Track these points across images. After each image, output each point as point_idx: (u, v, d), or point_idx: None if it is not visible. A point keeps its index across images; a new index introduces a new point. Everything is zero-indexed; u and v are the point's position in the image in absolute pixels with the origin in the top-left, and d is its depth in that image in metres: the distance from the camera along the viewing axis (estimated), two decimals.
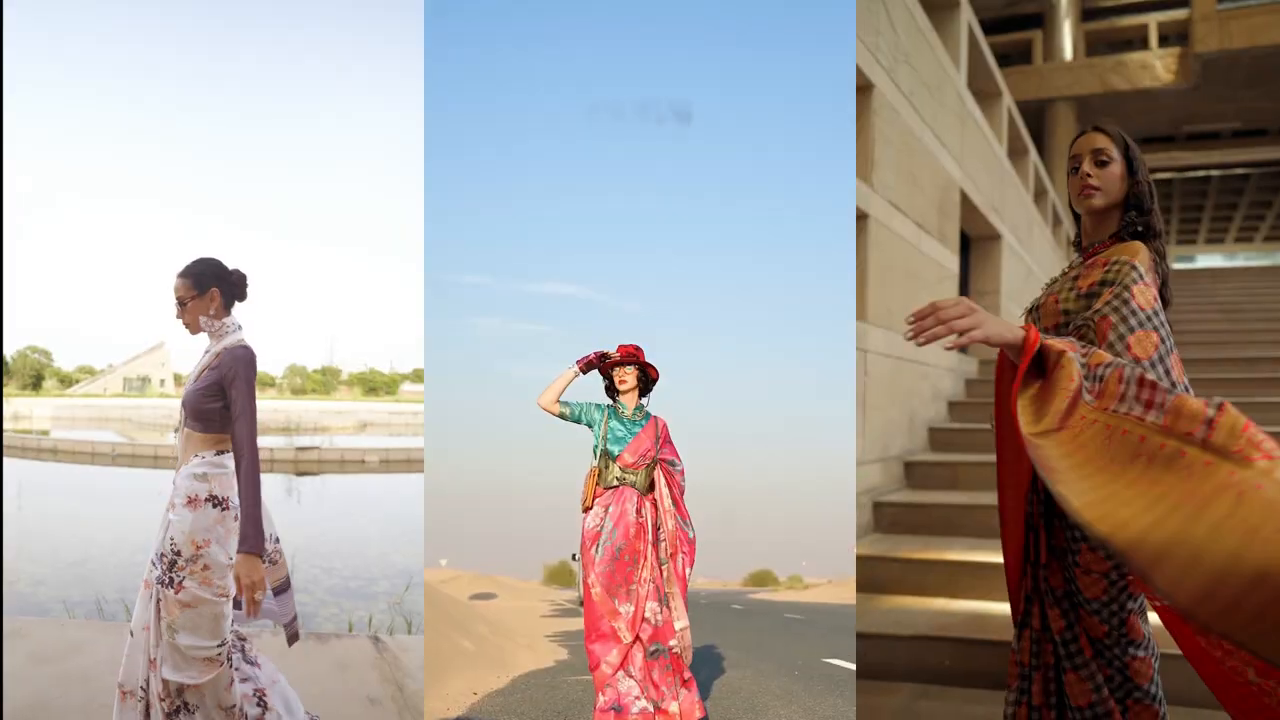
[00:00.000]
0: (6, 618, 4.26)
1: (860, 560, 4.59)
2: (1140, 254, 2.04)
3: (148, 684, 2.38)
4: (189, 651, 2.32)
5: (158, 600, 2.35)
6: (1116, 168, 2.12)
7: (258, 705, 2.46)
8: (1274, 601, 1.50)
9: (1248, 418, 1.62)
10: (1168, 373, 1.88)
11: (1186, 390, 1.89)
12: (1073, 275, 2.12)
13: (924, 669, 3.81)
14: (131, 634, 2.43)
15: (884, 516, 5.19)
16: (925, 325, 1.90)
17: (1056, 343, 1.94)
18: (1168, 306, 2.07)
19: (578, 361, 3.28)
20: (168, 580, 2.35)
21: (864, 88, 5.32)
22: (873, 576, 4.52)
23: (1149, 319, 1.93)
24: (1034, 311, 2.19)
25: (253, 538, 2.31)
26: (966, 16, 8.00)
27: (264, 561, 2.54)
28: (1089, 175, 2.12)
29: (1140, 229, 2.12)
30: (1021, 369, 1.93)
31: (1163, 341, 1.91)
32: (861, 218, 5.30)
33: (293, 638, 2.66)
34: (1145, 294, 1.96)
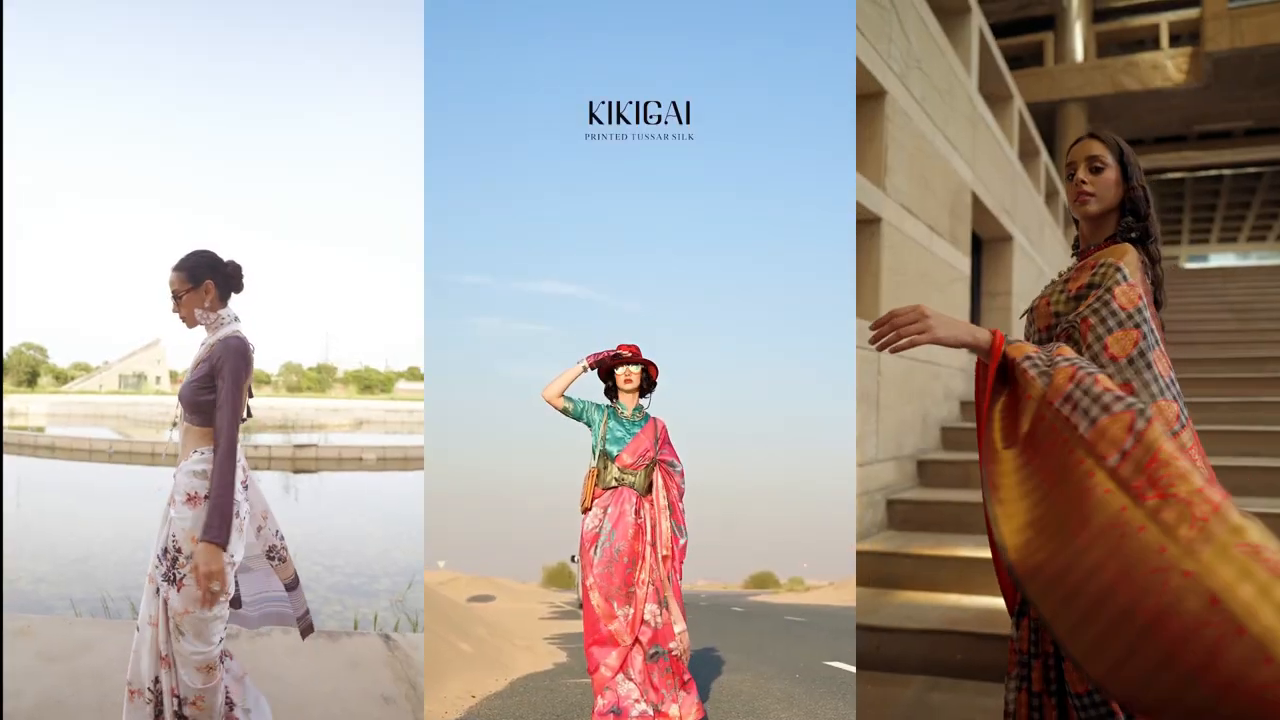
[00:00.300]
0: (12, 615, 4.25)
1: (874, 556, 4.69)
2: (1127, 256, 2.08)
3: (157, 681, 2.38)
4: (192, 657, 2.33)
5: (165, 598, 2.35)
6: (1111, 173, 2.16)
7: (224, 704, 2.46)
8: (1136, 645, 1.54)
9: (1162, 444, 1.65)
10: (1149, 366, 1.93)
11: (1171, 384, 1.94)
12: (1065, 278, 2.18)
13: (936, 662, 3.90)
14: (139, 629, 2.42)
15: (897, 514, 5.30)
16: (882, 333, 2.05)
17: (1017, 349, 2.04)
18: (1161, 308, 2.13)
19: (587, 358, 3.27)
20: (171, 577, 2.34)
21: (877, 94, 5.42)
22: (886, 572, 4.63)
23: (1129, 318, 1.98)
24: (1030, 314, 2.26)
25: (217, 527, 2.29)
26: (978, 21, 8.08)
27: (261, 553, 2.56)
28: (1084, 182, 2.17)
29: (1136, 234, 2.16)
30: (991, 372, 2.04)
31: (1144, 338, 1.96)
32: (874, 221, 5.40)
33: (306, 630, 2.69)
34: (1127, 294, 2.00)
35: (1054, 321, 2.14)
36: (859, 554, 4.72)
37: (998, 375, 2.03)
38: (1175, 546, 1.53)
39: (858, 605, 4.34)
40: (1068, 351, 1.95)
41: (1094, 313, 2.01)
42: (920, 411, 5.93)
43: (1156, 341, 1.97)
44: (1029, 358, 1.97)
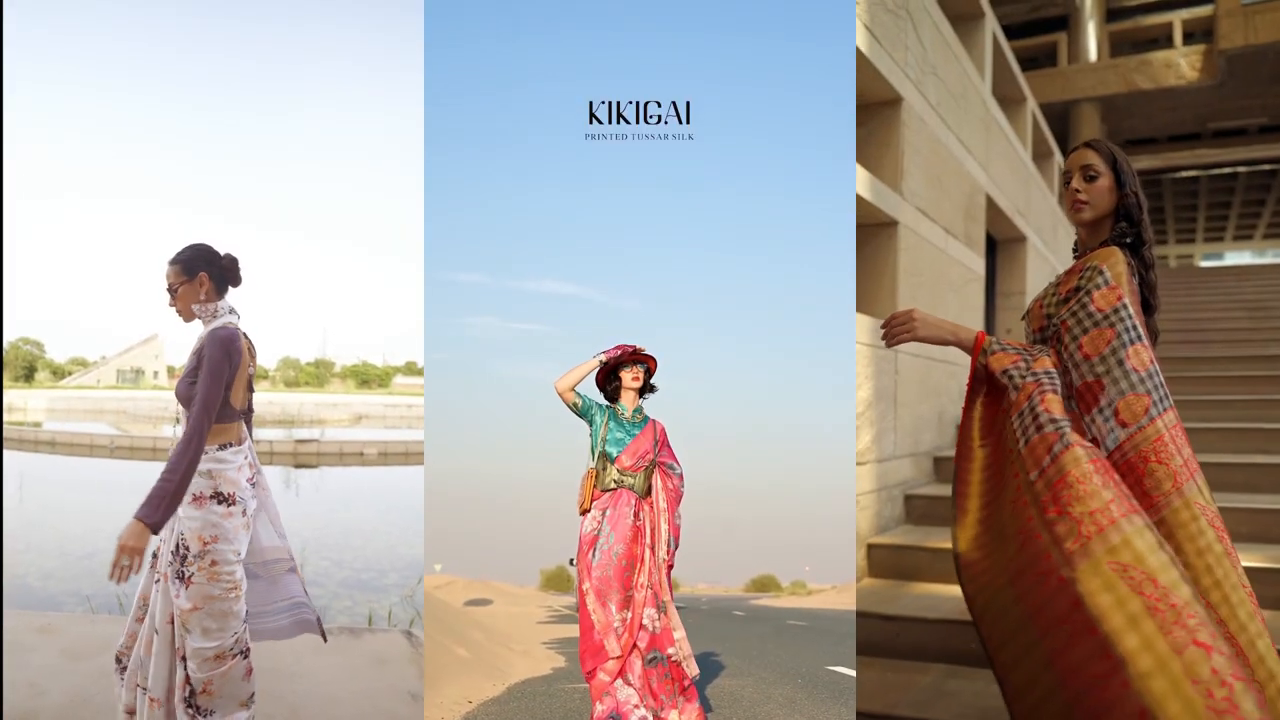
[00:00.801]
0: (34, 613, 4.32)
1: (892, 549, 4.84)
2: (1111, 259, 2.18)
3: (175, 683, 2.35)
4: (201, 653, 2.32)
5: (175, 596, 2.35)
6: (1105, 181, 2.26)
7: (249, 695, 2.44)
8: (1017, 628, 1.88)
9: (1071, 469, 1.89)
10: (1120, 364, 2.06)
11: (1148, 378, 2.06)
12: (1057, 282, 2.31)
13: (953, 651, 4.02)
14: (157, 632, 2.38)
15: (914, 508, 5.44)
16: (886, 333, 2.34)
17: (999, 360, 2.21)
18: (1153, 312, 2.23)
19: (604, 352, 3.24)
20: (180, 575, 2.34)
21: (893, 101, 5.56)
22: (904, 564, 4.77)
23: (1105, 319, 2.10)
24: (1026, 316, 2.39)
25: (151, 508, 2.22)
26: (991, 26, 8.19)
27: (286, 557, 2.52)
28: (1078, 190, 2.28)
29: (1130, 239, 2.25)
30: (970, 372, 2.27)
31: (1118, 336, 2.08)
32: (891, 225, 5.54)
33: (323, 634, 2.67)
34: (1105, 297, 2.11)
35: (1046, 323, 2.28)
36: (878, 547, 4.87)
37: (985, 375, 2.24)
38: (1059, 555, 1.82)
39: (877, 595, 4.47)
40: (1044, 363, 2.13)
41: (1072, 315, 2.16)
42: (937, 409, 6.06)
43: (1134, 339, 2.08)
44: (1007, 371, 2.17)
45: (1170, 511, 1.97)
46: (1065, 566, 1.79)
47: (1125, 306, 2.10)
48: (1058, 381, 2.10)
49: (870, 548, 4.87)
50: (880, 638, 4.07)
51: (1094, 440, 2.05)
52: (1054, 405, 2.01)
